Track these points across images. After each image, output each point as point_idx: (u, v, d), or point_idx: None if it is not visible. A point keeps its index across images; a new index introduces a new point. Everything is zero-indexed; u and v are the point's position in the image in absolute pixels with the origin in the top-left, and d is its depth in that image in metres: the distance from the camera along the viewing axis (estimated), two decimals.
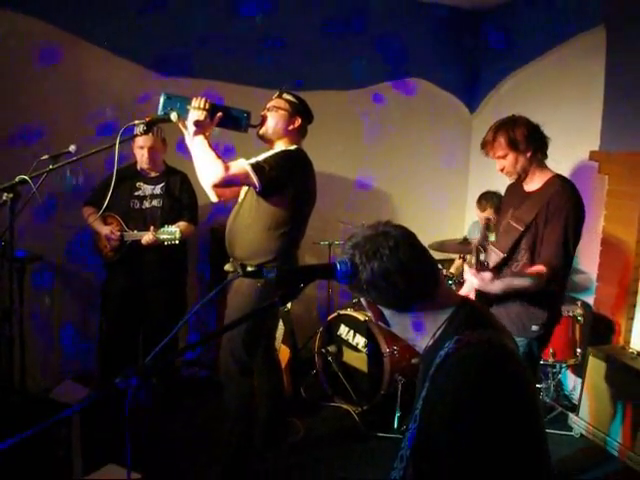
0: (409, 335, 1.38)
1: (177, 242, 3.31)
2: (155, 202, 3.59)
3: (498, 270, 2.66)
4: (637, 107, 3.76)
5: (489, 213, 4.06)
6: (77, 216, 3.67)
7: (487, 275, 2.50)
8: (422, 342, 1.36)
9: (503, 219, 2.83)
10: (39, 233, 3.68)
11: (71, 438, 3.12)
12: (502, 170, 2.68)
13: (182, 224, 3.54)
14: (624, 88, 3.88)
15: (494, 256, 2.73)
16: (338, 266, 1.37)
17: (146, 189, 3.62)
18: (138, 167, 3.62)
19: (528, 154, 2.60)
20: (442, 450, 1.16)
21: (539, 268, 2.50)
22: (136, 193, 3.59)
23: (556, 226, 2.52)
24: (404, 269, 1.29)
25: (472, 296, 2.58)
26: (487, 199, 4.11)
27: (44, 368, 3.81)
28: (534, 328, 2.59)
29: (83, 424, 3.22)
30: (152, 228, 3.35)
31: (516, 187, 2.81)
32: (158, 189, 3.62)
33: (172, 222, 3.47)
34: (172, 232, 3.30)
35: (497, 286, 2.49)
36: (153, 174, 3.65)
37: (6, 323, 2.91)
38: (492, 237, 2.97)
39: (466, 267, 2.62)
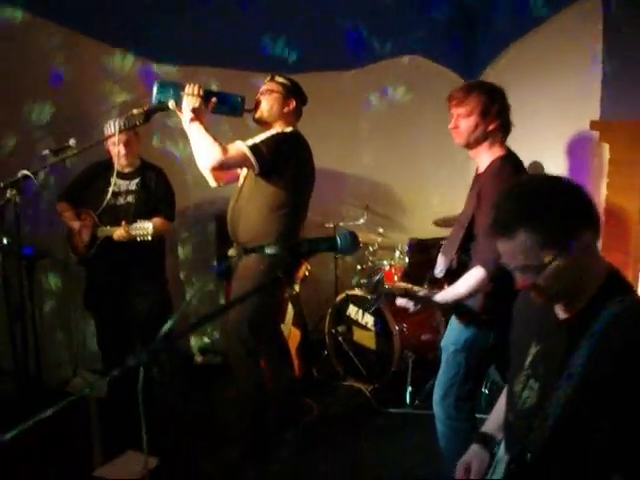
0: (566, 283, 1.34)
1: (149, 238, 3.20)
2: (130, 198, 3.51)
3: (454, 274, 2.40)
4: (636, 73, 3.74)
5: None
6: None
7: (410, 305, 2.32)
8: (577, 297, 1.35)
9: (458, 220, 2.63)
10: (45, 229, 3.73)
11: (90, 427, 3.20)
12: (455, 128, 2.41)
13: (156, 220, 3.42)
14: (622, 55, 3.84)
15: (445, 260, 2.51)
16: (338, 239, 1.46)
17: (121, 185, 3.52)
18: (116, 163, 3.53)
19: (490, 127, 2.36)
20: (611, 401, 1.22)
21: (473, 272, 2.27)
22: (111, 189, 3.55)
23: (483, 215, 2.28)
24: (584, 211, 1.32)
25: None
26: None
27: (59, 362, 3.87)
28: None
29: (101, 413, 3.31)
30: (124, 223, 3.25)
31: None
32: (133, 185, 3.53)
33: (147, 218, 3.34)
34: (145, 227, 3.19)
35: (438, 304, 2.36)
36: (128, 170, 3.55)
37: (19, 320, 2.96)
38: None
39: (399, 300, 2.36)
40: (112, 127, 3.17)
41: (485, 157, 2.41)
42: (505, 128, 2.41)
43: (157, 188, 3.57)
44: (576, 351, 1.29)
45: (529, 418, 1.37)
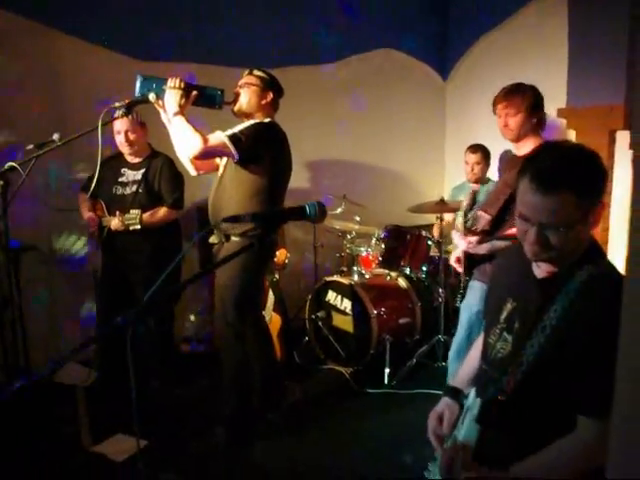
0: (573, 246, 1.42)
1: (138, 227, 3.29)
2: (135, 188, 3.59)
3: (489, 233, 2.80)
4: (599, 61, 3.90)
5: (480, 157, 4.27)
6: (66, 201, 3.77)
7: (473, 238, 2.74)
8: (567, 259, 1.44)
9: (497, 185, 2.99)
10: (31, 222, 3.79)
11: (78, 414, 3.29)
12: (505, 126, 2.80)
13: (159, 209, 3.52)
14: (586, 44, 4.01)
15: (482, 220, 2.84)
16: (307, 208, 1.61)
17: (129, 175, 3.62)
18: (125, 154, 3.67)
19: (533, 120, 2.77)
20: (582, 352, 1.33)
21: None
22: (120, 179, 3.61)
23: None
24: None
25: (461, 257, 2.84)
26: (478, 146, 4.32)
27: (47, 353, 3.93)
28: None
29: (90, 401, 3.40)
30: (118, 213, 3.36)
31: (507, 155, 3.04)
32: (139, 175, 3.61)
33: (151, 207, 3.48)
34: (133, 217, 3.28)
35: (483, 248, 2.73)
36: (137, 160, 3.65)
37: (6, 311, 3.03)
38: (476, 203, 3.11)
39: (454, 232, 2.85)
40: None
41: (528, 144, 2.78)
42: (544, 120, 2.83)
43: (161, 177, 3.60)
44: (551, 306, 1.42)
45: (502, 366, 1.50)
